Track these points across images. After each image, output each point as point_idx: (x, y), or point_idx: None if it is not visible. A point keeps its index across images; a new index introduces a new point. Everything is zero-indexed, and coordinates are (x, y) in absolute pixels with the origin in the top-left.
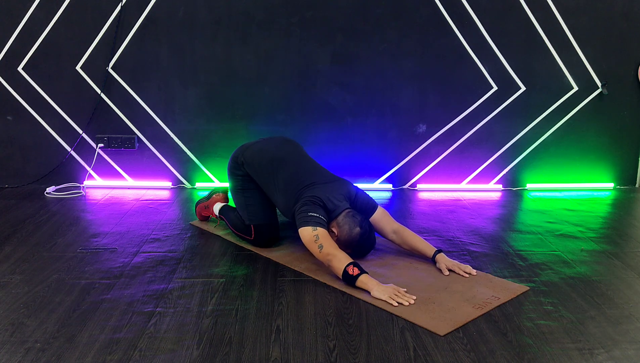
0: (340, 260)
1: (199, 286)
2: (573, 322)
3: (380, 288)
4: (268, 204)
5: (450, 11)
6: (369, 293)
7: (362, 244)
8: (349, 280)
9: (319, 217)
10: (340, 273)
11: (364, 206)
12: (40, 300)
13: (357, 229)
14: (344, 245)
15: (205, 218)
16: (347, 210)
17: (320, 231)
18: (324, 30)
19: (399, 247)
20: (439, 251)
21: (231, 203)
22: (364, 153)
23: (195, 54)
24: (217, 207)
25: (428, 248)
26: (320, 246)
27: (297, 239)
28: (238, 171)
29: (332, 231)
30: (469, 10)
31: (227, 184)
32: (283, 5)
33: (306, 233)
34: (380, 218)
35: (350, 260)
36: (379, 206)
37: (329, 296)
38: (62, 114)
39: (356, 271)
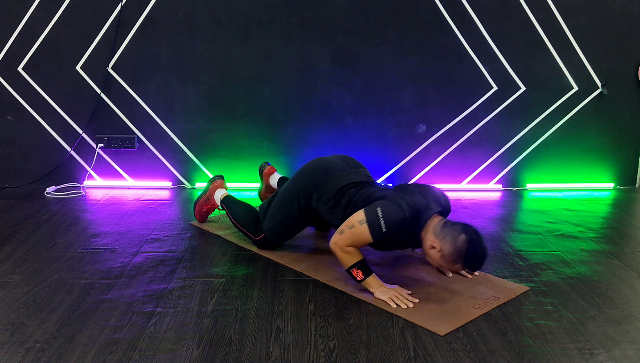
0: (351, 255)
1: (199, 286)
2: (573, 322)
3: (382, 290)
4: (293, 234)
5: (450, 11)
6: (371, 293)
7: (474, 252)
8: (353, 279)
9: (379, 220)
10: (345, 267)
11: None
12: (40, 300)
13: (462, 236)
14: (452, 259)
15: (205, 217)
16: (443, 221)
17: (362, 228)
18: (324, 30)
19: None
20: None
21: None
22: (364, 153)
23: (195, 54)
24: (218, 194)
25: None
26: (342, 232)
27: (297, 239)
28: (303, 203)
29: (433, 247)
30: (469, 10)
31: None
32: (283, 5)
33: (355, 217)
34: None
35: (359, 259)
36: None
37: (329, 296)
38: (62, 114)
39: (360, 275)
